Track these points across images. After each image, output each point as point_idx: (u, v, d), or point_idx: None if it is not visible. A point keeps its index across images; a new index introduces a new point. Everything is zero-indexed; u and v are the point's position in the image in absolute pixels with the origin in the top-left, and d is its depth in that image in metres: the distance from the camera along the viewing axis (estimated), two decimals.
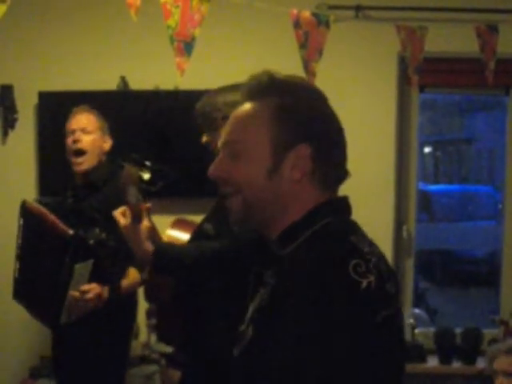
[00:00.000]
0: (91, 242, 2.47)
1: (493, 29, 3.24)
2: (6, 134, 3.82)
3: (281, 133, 1.21)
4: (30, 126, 3.80)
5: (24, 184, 3.80)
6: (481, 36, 3.22)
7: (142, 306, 3.64)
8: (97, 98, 3.64)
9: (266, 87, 1.24)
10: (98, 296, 2.50)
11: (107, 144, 2.86)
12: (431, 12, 3.56)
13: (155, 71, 3.68)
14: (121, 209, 1.93)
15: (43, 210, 2.60)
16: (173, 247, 2.14)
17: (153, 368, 3.50)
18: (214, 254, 2.04)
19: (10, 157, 3.83)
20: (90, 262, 2.47)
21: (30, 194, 3.78)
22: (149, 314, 3.66)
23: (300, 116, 1.22)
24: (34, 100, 3.75)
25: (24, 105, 3.79)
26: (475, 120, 11.22)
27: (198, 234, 2.22)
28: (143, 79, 3.71)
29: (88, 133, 2.79)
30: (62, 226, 2.51)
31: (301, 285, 1.10)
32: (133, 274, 2.67)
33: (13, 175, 3.83)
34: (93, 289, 2.49)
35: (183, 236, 2.32)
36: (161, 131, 3.77)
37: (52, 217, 2.55)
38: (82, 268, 2.47)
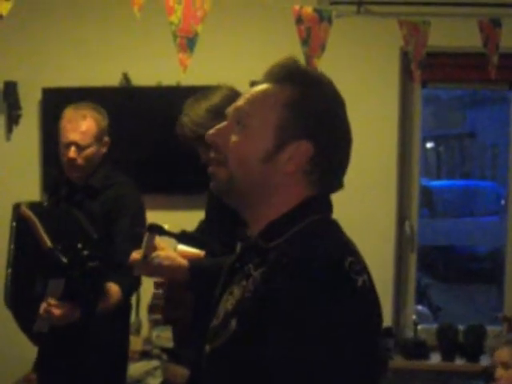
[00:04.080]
0: (64, 260, 2.35)
1: (496, 23, 3.23)
2: (10, 130, 3.83)
3: (288, 122, 1.19)
4: (33, 122, 3.81)
5: (28, 180, 3.81)
6: (484, 30, 3.21)
7: (144, 301, 3.66)
8: (99, 95, 3.64)
9: (288, 73, 1.23)
10: (69, 315, 2.37)
11: (105, 147, 2.69)
12: (434, 6, 3.55)
13: (157, 67, 3.69)
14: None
15: (33, 217, 2.47)
16: (207, 262, 2.14)
17: (154, 363, 3.51)
18: None
19: (14, 153, 3.84)
20: (62, 280, 2.37)
21: (33, 190, 3.79)
22: (150, 309, 3.67)
23: (311, 112, 1.20)
24: (38, 96, 3.76)
25: (28, 101, 3.80)
26: (478, 115, 11.19)
27: (209, 254, 2.22)
28: (145, 75, 3.72)
29: (84, 148, 2.60)
30: (44, 237, 2.40)
31: (296, 282, 1.08)
32: (113, 294, 2.48)
33: (17, 171, 3.84)
34: (61, 307, 2.35)
35: (193, 249, 2.30)
36: (163, 127, 3.77)
37: (37, 225, 2.44)
38: (55, 284, 2.39)
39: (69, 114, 2.65)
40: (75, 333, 2.49)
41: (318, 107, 1.20)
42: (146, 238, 1.97)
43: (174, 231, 1.94)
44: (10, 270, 2.58)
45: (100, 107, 2.72)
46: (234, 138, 1.22)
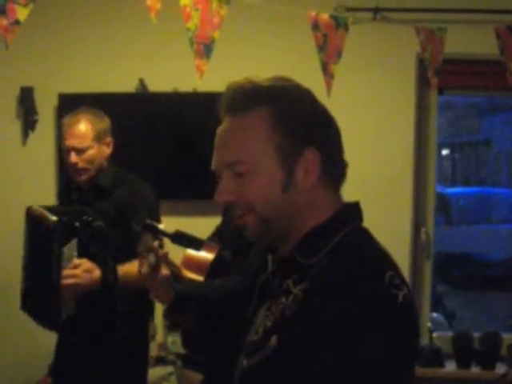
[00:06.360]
0: (76, 224, 2.45)
1: None
2: (26, 135, 3.86)
3: (284, 142, 1.15)
4: (49, 128, 3.83)
5: (43, 184, 3.83)
6: (500, 37, 3.19)
7: (159, 306, 3.66)
8: (115, 100, 3.66)
9: (253, 96, 1.17)
10: (89, 272, 2.43)
11: (108, 149, 2.73)
12: (450, 13, 3.54)
13: (174, 73, 3.70)
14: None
15: (41, 210, 2.53)
16: (191, 291, 2.13)
17: (169, 369, 3.51)
18: (235, 291, 2.03)
19: (30, 158, 3.87)
20: (74, 240, 2.45)
21: (49, 195, 3.81)
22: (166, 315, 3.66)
23: (297, 120, 1.16)
24: (54, 102, 3.78)
25: (44, 106, 3.82)
26: (494, 122, 11.13)
27: (217, 261, 2.22)
28: (162, 81, 3.73)
29: (82, 151, 2.67)
30: (46, 214, 2.47)
31: (339, 303, 1.05)
32: (132, 266, 2.51)
33: (32, 176, 3.86)
34: (82, 263, 2.43)
35: (201, 254, 2.30)
36: (179, 133, 3.78)
37: (39, 209, 2.52)
38: (68, 249, 2.45)
39: (65, 121, 2.74)
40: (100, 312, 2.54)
41: (297, 112, 1.17)
42: (142, 237, 1.97)
43: (168, 231, 1.93)
44: (23, 273, 2.63)
45: (98, 110, 2.76)
46: (245, 189, 1.17)
